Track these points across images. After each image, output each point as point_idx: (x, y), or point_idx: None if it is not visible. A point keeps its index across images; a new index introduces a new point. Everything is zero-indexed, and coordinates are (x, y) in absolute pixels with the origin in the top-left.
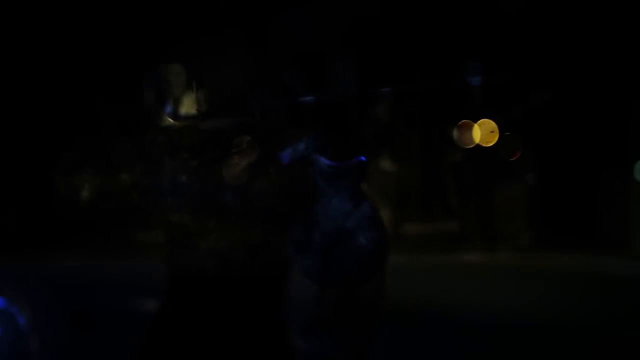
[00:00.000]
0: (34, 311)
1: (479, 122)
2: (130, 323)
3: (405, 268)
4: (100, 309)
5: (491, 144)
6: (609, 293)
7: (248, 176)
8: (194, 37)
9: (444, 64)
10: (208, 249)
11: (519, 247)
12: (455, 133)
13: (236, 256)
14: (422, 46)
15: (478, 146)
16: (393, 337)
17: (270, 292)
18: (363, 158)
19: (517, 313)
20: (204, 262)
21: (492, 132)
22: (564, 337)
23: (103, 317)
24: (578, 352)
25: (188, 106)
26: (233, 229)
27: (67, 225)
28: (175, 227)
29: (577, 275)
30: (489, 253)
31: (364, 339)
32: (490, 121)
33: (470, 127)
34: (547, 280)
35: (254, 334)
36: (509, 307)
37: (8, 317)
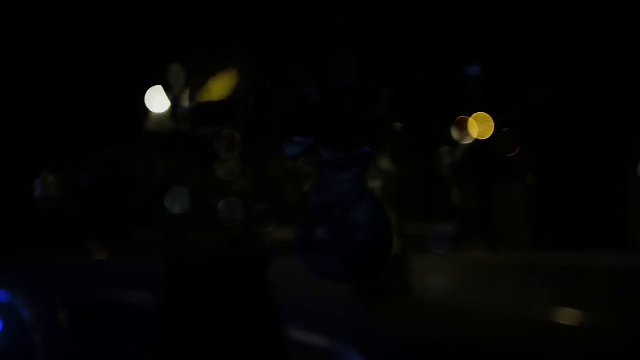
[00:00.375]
0: (37, 305)
1: (473, 115)
2: (130, 319)
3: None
4: (101, 305)
5: (487, 137)
6: (609, 291)
7: (235, 176)
8: (184, 41)
9: (445, 60)
10: (199, 243)
11: (518, 246)
12: (453, 129)
13: (223, 249)
14: (423, 41)
15: (477, 144)
16: (393, 333)
17: (257, 280)
18: (367, 149)
19: (516, 310)
20: (196, 255)
21: (488, 124)
22: (562, 333)
23: (104, 312)
24: (576, 349)
25: (177, 110)
26: (220, 226)
27: (67, 224)
28: (170, 225)
29: (577, 273)
30: (489, 251)
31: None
32: (485, 114)
33: (467, 123)
34: (546, 278)
35: (246, 320)
36: (508, 304)
37: (11, 310)
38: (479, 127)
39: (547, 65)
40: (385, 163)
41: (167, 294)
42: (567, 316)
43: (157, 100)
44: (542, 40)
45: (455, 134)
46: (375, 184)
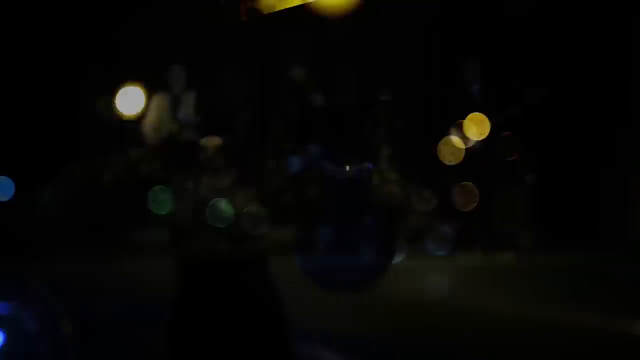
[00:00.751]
0: (40, 316)
1: (469, 116)
2: (133, 327)
3: (406, 268)
4: (105, 314)
5: (483, 137)
6: (610, 293)
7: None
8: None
9: (443, 66)
10: (204, 241)
11: (518, 248)
12: (452, 132)
13: (226, 246)
14: (421, 49)
15: (476, 146)
16: (393, 336)
17: (258, 272)
18: (370, 165)
19: (516, 313)
20: (202, 251)
21: (484, 125)
22: (563, 337)
23: (107, 322)
24: (576, 352)
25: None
26: (223, 226)
27: (74, 228)
28: (178, 225)
29: (577, 275)
30: (489, 254)
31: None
32: (481, 114)
33: (463, 125)
34: (547, 280)
35: (250, 308)
36: (508, 307)
37: (15, 322)
38: (475, 127)
39: (547, 67)
40: (386, 168)
41: (179, 286)
42: (568, 318)
43: (128, 101)
44: (541, 41)
45: (453, 136)
46: (378, 191)
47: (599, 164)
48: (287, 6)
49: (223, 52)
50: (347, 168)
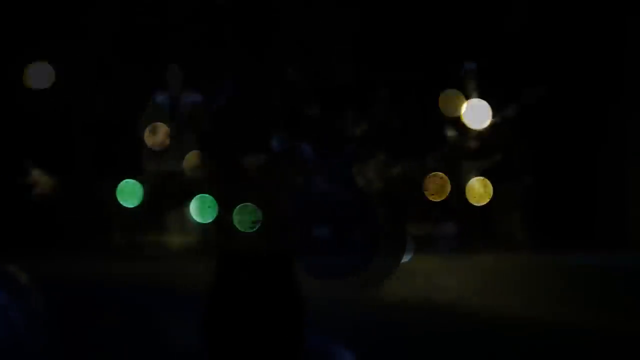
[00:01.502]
0: (30, 308)
1: (440, 96)
2: (125, 319)
3: (405, 267)
4: (97, 305)
5: (458, 114)
6: (609, 290)
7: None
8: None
9: (441, 60)
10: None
11: (518, 246)
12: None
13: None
14: (420, 36)
15: (474, 142)
16: (395, 335)
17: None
18: (352, 148)
19: (516, 312)
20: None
21: (457, 100)
22: (563, 336)
23: (99, 312)
24: (577, 350)
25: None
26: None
27: (82, 225)
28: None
29: (577, 273)
30: (489, 252)
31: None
32: (454, 90)
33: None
34: (546, 278)
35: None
36: (508, 306)
37: (2, 311)
38: (448, 104)
39: (546, 64)
40: (383, 163)
41: (219, 277)
42: (567, 316)
43: (39, 76)
44: (540, 37)
45: (450, 129)
46: (375, 184)
47: (598, 164)
48: None
49: (207, 39)
50: (330, 151)
